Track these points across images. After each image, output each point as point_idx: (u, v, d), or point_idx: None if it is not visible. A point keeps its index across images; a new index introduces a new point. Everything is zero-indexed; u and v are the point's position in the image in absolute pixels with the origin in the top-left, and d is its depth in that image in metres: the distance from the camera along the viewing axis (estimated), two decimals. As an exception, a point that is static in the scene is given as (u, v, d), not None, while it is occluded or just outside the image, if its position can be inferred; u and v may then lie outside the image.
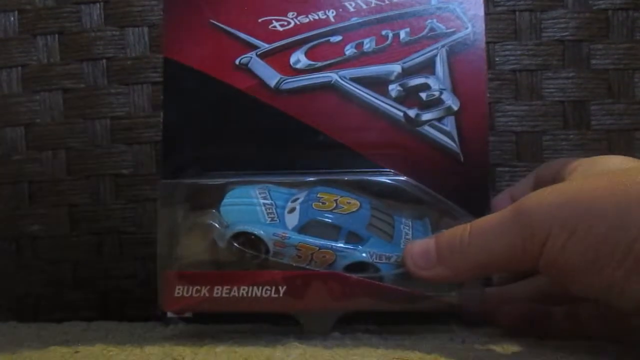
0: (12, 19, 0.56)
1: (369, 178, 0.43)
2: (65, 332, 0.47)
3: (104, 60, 0.55)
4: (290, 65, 0.43)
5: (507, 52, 0.53)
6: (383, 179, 0.43)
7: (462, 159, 0.42)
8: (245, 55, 0.43)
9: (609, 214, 0.32)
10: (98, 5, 0.55)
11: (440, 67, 0.43)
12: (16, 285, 0.55)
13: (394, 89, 0.43)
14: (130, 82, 0.55)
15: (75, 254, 0.55)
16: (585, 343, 0.39)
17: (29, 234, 0.55)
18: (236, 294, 0.40)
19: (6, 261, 0.55)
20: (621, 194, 0.32)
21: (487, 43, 0.52)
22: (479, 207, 0.40)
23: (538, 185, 0.42)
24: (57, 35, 0.55)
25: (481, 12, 0.44)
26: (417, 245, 0.39)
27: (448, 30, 0.43)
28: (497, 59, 0.53)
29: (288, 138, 0.43)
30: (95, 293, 0.54)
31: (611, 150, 0.52)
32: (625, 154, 0.51)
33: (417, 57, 0.43)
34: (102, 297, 0.54)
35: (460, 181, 0.42)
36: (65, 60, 0.55)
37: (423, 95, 0.43)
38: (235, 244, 0.41)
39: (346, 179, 0.43)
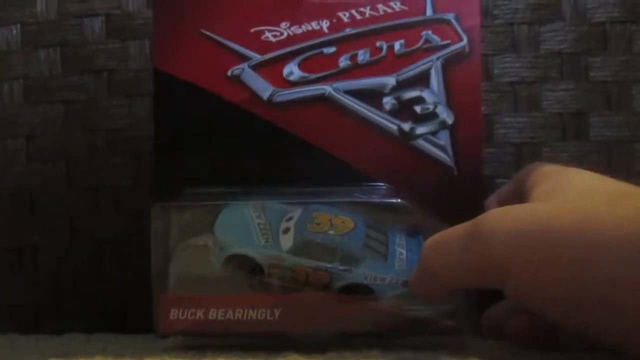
0: (14, 31, 0.56)
1: (363, 200, 0.43)
2: (65, 344, 0.47)
3: (106, 73, 0.55)
4: (283, 77, 0.43)
5: (505, 65, 0.53)
6: (377, 200, 0.43)
7: (455, 173, 0.42)
8: (238, 67, 0.43)
9: (578, 253, 0.30)
10: (100, 18, 0.56)
11: (435, 80, 0.43)
12: (16, 296, 0.55)
13: (388, 101, 0.43)
14: (131, 94, 0.55)
15: (75, 265, 0.55)
16: (590, 356, 0.38)
17: (29, 245, 0.55)
18: (232, 316, 0.40)
19: (6, 272, 0.55)
20: (592, 230, 0.30)
21: (486, 55, 0.53)
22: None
23: (517, 189, 0.41)
24: (59, 48, 0.56)
25: (477, 23, 0.43)
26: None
27: (443, 42, 0.43)
28: (495, 71, 0.53)
29: (281, 151, 0.43)
30: (96, 304, 0.54)
31: (610, 162, 0.52)
32: (624, 166, 0.51)
33: (412, 69, 0.43)
34: (102, 309, 0.54)
35: (454, 195, 0.42)
36: (67, 72, 0.56)
37: (417, 108, 0.42)
38: (230, 266, 0.41)
39: (339, 200, 0.42)
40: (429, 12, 0.43)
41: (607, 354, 0.38)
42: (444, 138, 0.42)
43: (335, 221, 0.41)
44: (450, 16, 0.43)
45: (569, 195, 0.34)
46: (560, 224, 0.31)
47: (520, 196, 0.39)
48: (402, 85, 0.43)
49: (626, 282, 0.29)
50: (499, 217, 0.33)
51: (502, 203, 0.42)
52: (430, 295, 0.39)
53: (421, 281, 0.38)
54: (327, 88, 0.43)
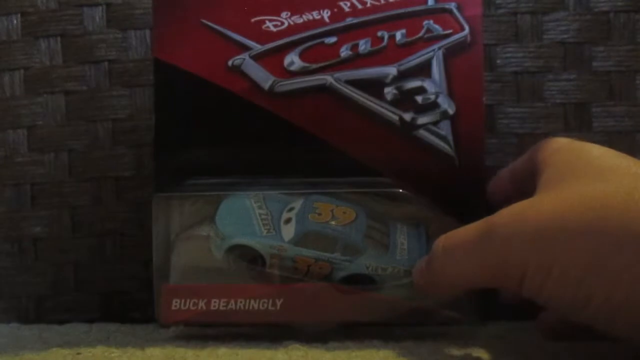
0: (14, 21, 0.56)
1: (364, 190, 0.43)
2: (67, 334, 0.47)
3: (106, 63, 0.55)
4: (284, 67, 0.43)
5: (508, 54, 0.53)
6: (378, 190, 0.43)
7: (457, 163, 0.42)
8: (238, 57, 0.43)
9: (585, 253, 0.29)
10: (100, 8, 0.55)
11: (436, 70, 0.42)
12: (18, 286, 0.55)
13: (389, 92, 0.42)
14: (132, 84, 0.55)
15: (76, 256, 0.55)
16: (602, 344, 0.36)
17: (30, 235, 0.55)
18: (233, 306, 0.40)
19: (8, 263, 0.55)
20: (602, 228, 0.29)
21: (489, 45, 0.52)
22: (474, 211, 0.39)
23: (530, 164, 0.39)
24: (59, 38, 0.56)
25: (479, 12, 0.43)
26: (420, 260, 0.39)
27: (445, 32, 0.43)
28: (498, 61, 0.53)
29: (282, 141, 0.43)
30: (97, 295, 0.55)
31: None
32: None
33: (413, 59, 0.43)
34: (103, 299, 0.54)
35: (456, 185, 0.42)
36: (68, 62, 0.56)
37: (419, 98, 0.42)
38: (232, 257, 0.41)
39: (340, 191, 0.42)
40: (430, 1, 0.43)
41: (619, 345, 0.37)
42: (445, 128, 0.42)
43: (337, 212, 0.41)
44: (452, 5, 0.43)
45: (585, 178, 0.32)
46: (573, 221, 0.30)
47: (532, 172, 0.38)
48: (403, 75, 0.43)
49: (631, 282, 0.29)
50: (511, 217, 0.33)
51: (515, 177, 0.41)
52: (440, 295, 0.39)
53: (432, 283, 0.38)
54: (328, 78, 0.43)
